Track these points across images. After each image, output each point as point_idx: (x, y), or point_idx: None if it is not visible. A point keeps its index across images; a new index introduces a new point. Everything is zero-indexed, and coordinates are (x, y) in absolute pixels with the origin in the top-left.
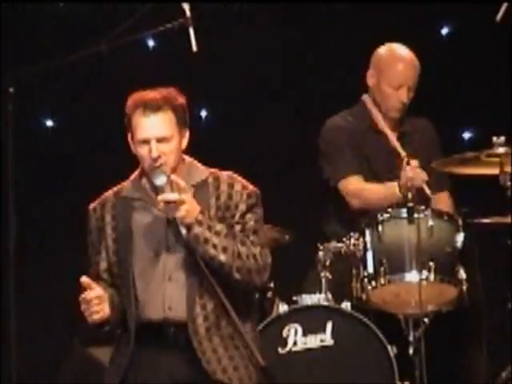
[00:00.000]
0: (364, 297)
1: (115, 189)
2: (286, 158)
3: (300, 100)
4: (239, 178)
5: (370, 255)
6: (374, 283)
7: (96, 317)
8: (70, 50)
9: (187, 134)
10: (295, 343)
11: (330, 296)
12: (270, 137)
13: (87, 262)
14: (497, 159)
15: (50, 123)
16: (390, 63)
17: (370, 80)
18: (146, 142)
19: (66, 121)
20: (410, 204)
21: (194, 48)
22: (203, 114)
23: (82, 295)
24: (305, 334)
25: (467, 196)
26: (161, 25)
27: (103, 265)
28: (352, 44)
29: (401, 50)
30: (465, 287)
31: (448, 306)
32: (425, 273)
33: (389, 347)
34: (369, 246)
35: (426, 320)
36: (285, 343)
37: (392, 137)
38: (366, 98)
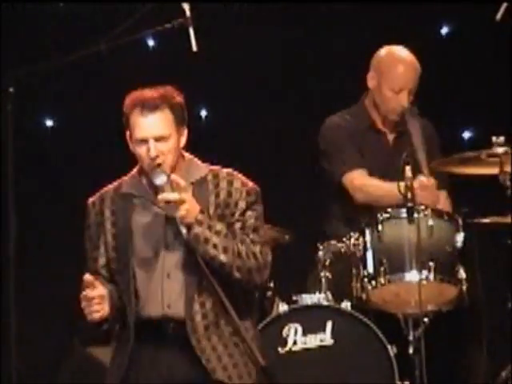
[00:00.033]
0: (364, 296)
1: (115, 184)
2: (285, 158)
3: (300, 100)
4: (239, 175)
5: (369, 255)
6: (373, 283)
7: (96, 316)
8: (70, 50)
9: (185, 132)
10: (295, 343)
11: (329, 296)
12: (269, 136)
13: (84, 257)
14: (496, 159)
15: (49, 123)
16: (391, 66)
17: (371, 82)
18: (144, 141)
19: (66, 121)
20: (410, 204)
21: (194, 48)
22: (203, 113)
23: (84, 293)
24: (305, 333)
25: (467, 196)
26: (161, 25)
27: (102, 260)
28: (352, 44)
29: (402, 52)
30: (465, 287)
31: (448, 306)
32: (425, 272)
33: (389, 347)
34: (369, 245)
35: (425, 320)
36: (285, 343)
37: (419, 144)
38: (365, 98)
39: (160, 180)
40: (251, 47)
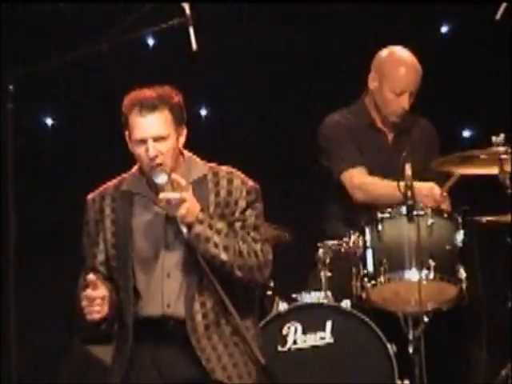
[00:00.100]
0: (364, 295)
1: (115, 181)
2: (285, 157)
3: (300, 100)
4: (238, 173)
5: (369, 253)
6: (373, 281)
7: (96, 316)
8: (70, 50)
9: (184, 131)
10: (295, 341)
11: (329, 294)
12: (269, 136)
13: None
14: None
15: (49, 121)
16: (393, 68)
17: (372, 83)
18: (143, 141)
19: (66, 119)
20: (410, 202)
21: (194, 47)
22: (203, 112)
23: (86, 292)
24: (304, 332)
25: (467, 194)
26: (161, 24)
27: (101, 257)
28: (352, 43)
29: (403, 54)
30: (464, 285)
31: (448, 305)
32: (424, 271)
33: (388, 346)
34: (368, 244)
35: (425, 318)
36: (284, 341)
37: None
38: (365, 96)
39: (161, 179)
40: (251, 47)
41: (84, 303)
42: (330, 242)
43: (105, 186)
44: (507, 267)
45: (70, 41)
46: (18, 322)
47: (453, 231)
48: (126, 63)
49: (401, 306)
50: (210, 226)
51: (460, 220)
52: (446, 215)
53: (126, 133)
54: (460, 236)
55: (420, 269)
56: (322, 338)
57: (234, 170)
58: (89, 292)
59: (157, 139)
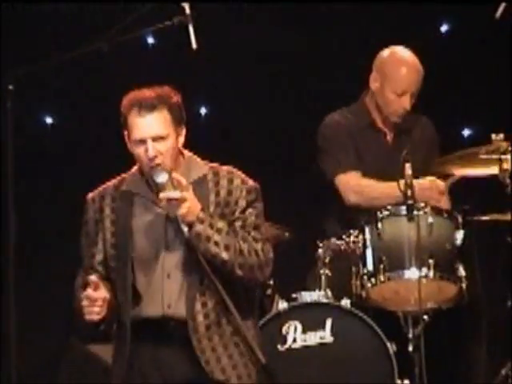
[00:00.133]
0: (363, 294)
1: (115, 181)
2: (285, 157)
3: (300, 100)
4: (239, 173)
5: (369, 252)
6: (373, 280)
7: (95, 317)
8: (70, 50)
9: (184, 131)
10: (295, 340)
11: (329, 293)
12: (269, 135)
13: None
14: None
15: (49, 120)
16: (394, 69)
17: (373, 84)
18: (143, 141)
19: (66, 118)
20: (410, 201)
21: (194, 46)
22: (203, 111)
23: (87, 292)
24: (304, 331)
25: (467, 193)
26: (160, 22)
27: (99, 257)
28: (352, 43)
29: (405, 54)
30: (464, 284)
31: (447, 304)
32: (424, 270)
33: (388, 344)
34: (368, 243)
35: (425, 317)
36: (284, 340)
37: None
38: (365, 96)
39: (161, 178)
40: (251, 47)
41: (84, 303)
42: (330, 241)
43: (105, 185)
44: (507, 266)
45: (69, 41)
46: (18, 322)
47: (453, 230)
48: (126, 62)
49: (400, 305)
50: (211, 225)
51: (460, 219)
52: (445, 214)
53: (125, 133)
54: (460, 235)
55: (420, 268)
56: (322, 337)
57: (234, 170)
58: (90, 292)
59: (156, 139)
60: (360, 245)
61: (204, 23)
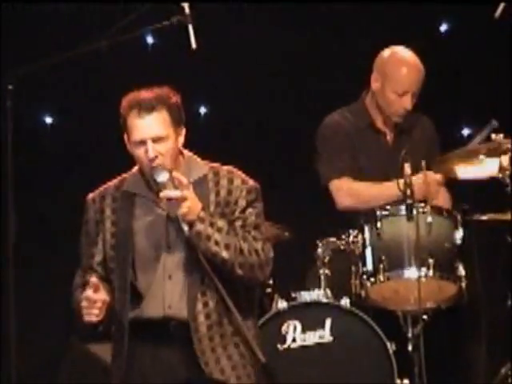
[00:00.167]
0: (363, 293)
1: (116, 181)
2: (285, 157)
3: (300, 100)
4: (239, 173)
5: (368, 252)
6: (372, 280)
7: (94, 319)
8: (70, 50)
9: (183, 131)
10: (294, 340)
11: (329, 293)
12: (269, 135)
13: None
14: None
15: (49, 120)
16: (395, 69)
17: (374, 84)
18: (142, 142)
19: (66, 118)
20: (409, 201)
21: (194, 45)
22: (202, 111)
23: (87, 294)
24: (304, 330)
25: (467, 193)
26: (160, 22)
27: (98, 257)
28: (352, 43)
29: (406, 54)
30: (464, 284)
31: (447, 303)
32: (424, 269)
33: (388, 344)
34: (368, 242)
35: (424, 317)
36: (284, 340)
37: None
38: (365, 96)
39: (162, 177)
40: (251, 47)
41: (84, 304)
42: (330, 240)
43: (105, 186)
44: (507, 266)
45: (69, 41)
46: (18, 322)
47: (452, 229)
48: (125, 62)
49: (400, 305)
50: (211, 225)
51: (459, 218)
52: (445, 214)
53: (125, 134)
54: (459, 234)
55: (419, 267)
56: (321, 337)
57: (234, 170)
58: (90, 294)
59: (156, 140)
60: (359, 244)
61: (204, 23)
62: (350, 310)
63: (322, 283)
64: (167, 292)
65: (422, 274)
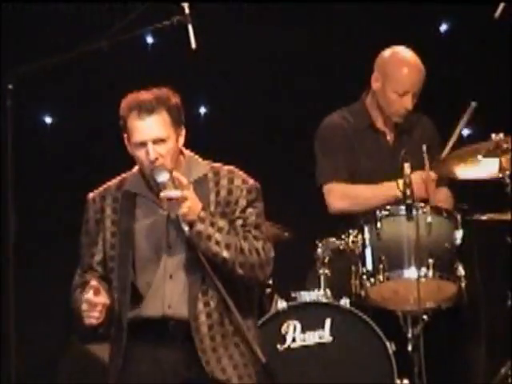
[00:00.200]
0: (363, 294)
1: (116, 181)
2: (285, 157)
3: (300, 99)
4: (240, 173)
5: (368, 252)
6: (372, 280)
7: (94, 322)
8: (70, 50)
9: (183, 132)
10: (294, 340)
11: (328, 293)
12: (269, 135)
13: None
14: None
15: (49, 120)
16: (396, 69)
17: (375, 84)
18: (143, 144)
19: (65, 118)
20: (409, 201)
21: (193, 45)
22: (202, 111)
23: (88, 297)
24: (303, 330)
25: (466, 193)
26: (160, 22)
27: (98, 256)
28: (352, 43)
29: (407, 54)
30: (464, 284)
31: (447, 303)
32: (423, 269)
33: (387, 344)
34: (367, 242)
35: (424, 317)
36: (283, 340)
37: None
38: (366, 96)
39: (162, 177)
40: (251, 47)
41: (84, 307)
42: (329, 241)
43: (106, 185)
44: (506, 266)
45: (69, 41)
46: (18, 322)
47: (452, 230)
48: (125, 62)
49: (400, 305)
50: (212, 224)
51: (459, 218)
52: (445, 214)
53: (125, 136)
54: (459, 234)
55: (419, 267)
56: (321, 337)
57: (235, 170)
58: (90, 297)
59: (156, 141)
60: (359, 244)
61: (204, 23)
62: (350, 310)
63: (322, 283)
64: (167, 292)
65: (422, 274)
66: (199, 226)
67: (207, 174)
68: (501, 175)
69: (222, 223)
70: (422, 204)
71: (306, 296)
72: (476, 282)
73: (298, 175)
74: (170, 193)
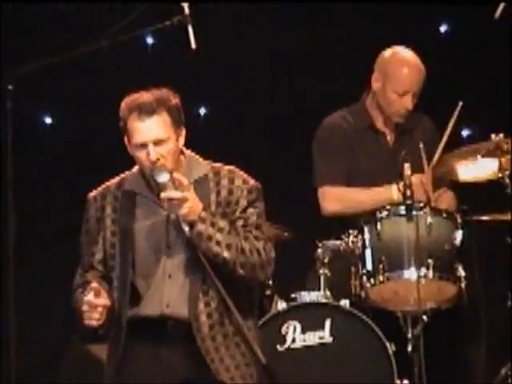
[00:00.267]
0: (363, 294)
1: (116, 180)
2: (285, 157)
3: (300, 100)
4: (240, 173)
5: (368, 253)
6: (372, 281)
7: (95, 323)
8: (70, 50)
9: (183, 132)
10: (294, 340)
11: (328, 293)
12: (269, 135)
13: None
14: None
15: (49, 120)
16: (396, 69)
17: (375, 84)
18: (144, 145)
19: (65, 118)
20: (409, 201)
21: (193, 45)
22: (202, 111)
23: (88, 298)
24: (303, 331)
25: (466, 193)
26: (160, 22)
27: (99, 255)
28: (352, 43)
29: (407, 54)
30: (463, 284)
31: (447, 304)
32: (423, 270)
33: (387, 345)
34: (367, 243)
35: (424, 317)
36: (283, 340)
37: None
38: (366, 97)
39: (162, 178)
40: (251, 47)
41: (84, 308)
42: (329, 242)
43: (106, 184)
44: (506, 267)
45: (69, 41)
46: (18, 322)
47: (452, 230)
48: (125, 62)
49: (400, 305)
50: (213, 225)
51: (459, 219)
52: (445, 214)
53: (125, 137)
54: (459, 235)
55: (419, 268)
56: (321, 337)
57: (236, 170)
58: (91, 299)
59: (157, 143)
60: (359, 245)
61: (204, 23)
62: (350, 311)
63: (322, 284)
64: (166, 291)
65: (422, 274)
66: (200, 227)
67: (208, 174)
68: (501, 176)
69: (222, 223)
70: (422, 204)
71: (306, 296)
72: (476, 282)
73: (298, 175)
74: (171, 193)
